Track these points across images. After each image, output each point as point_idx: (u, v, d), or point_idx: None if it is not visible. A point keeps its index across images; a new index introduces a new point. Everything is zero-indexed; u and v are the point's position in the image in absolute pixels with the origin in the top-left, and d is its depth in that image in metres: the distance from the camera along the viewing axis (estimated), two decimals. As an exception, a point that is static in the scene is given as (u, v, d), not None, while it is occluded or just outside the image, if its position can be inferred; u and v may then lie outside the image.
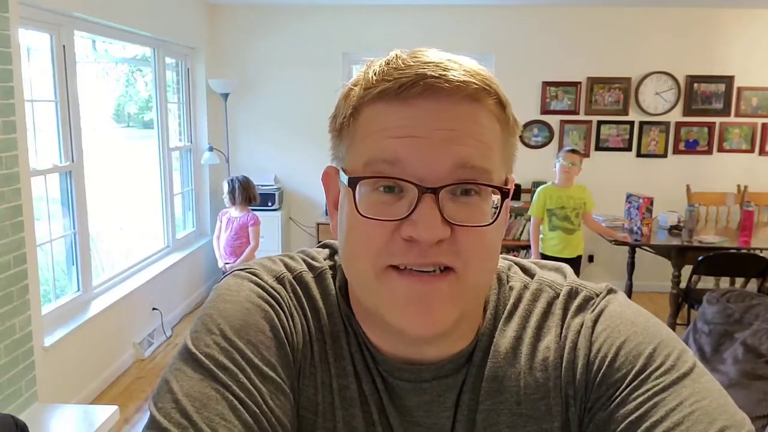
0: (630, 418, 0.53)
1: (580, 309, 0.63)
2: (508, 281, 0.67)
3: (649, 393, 0.53)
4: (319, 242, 0.73)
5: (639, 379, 0.55)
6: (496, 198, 0.56)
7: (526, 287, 0.66)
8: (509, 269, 0.68)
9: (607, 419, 0.55)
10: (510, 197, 0.58)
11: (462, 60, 0.56)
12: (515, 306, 0.64)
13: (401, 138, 0.53)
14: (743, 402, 2.24)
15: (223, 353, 0.55)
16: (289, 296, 0.63)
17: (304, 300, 0.64)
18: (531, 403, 0.60)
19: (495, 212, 0.56)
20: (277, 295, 0.61)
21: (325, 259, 0.68)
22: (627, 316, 0.60)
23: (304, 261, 0.67)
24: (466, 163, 0.53)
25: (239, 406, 0.53)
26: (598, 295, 0.63)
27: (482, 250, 0.55)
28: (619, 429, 0.53)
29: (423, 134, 0.53)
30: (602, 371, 0.57)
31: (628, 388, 0.55)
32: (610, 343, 0.58)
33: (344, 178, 0.57)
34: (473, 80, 0.54)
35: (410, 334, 0.56)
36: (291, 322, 0.61)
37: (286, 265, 0.66)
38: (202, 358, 0.55)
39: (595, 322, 0.60)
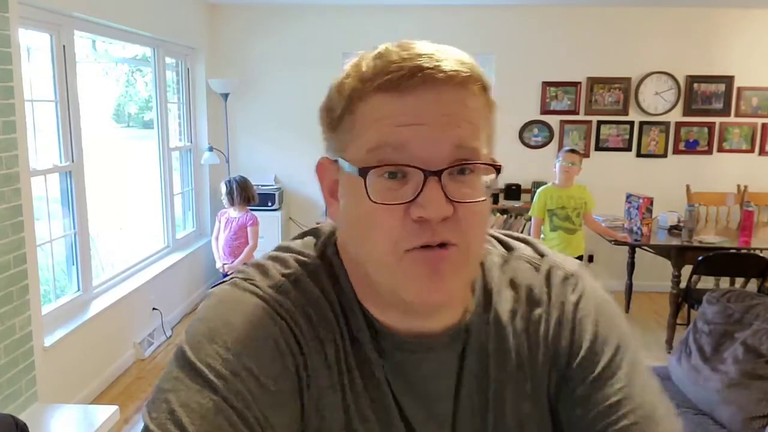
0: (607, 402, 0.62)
1: (562, 285, 0.70)
2: (490, 254, 0.72)
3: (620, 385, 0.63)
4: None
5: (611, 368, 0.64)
6: (488, 176, 0.61)
7: (506, 262, 0.71)
8: (489, 243, 0.73)
9: (586, 397, 0.63)
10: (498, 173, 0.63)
11: (449, 50, 0.60)
12: (500, 279, 0.70)
13: (407, 126, 0.57)
14: (743, 402, 2.24)
15: (224, 364, 0.55)
16: (293, 305, 0.62)
17: (305, 304, 0.63)
18: (524, 371, 0.67)
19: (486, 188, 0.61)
20: (280, 308, 0.61)
21: (312, 251, 0.68)
22: (599, 294, 0.70)
23: (296, 261, 0.66)
24: (462, 143, 0.57)
25: (237, 420, 0.52)
26: (573, 275, 0.71)
27: (478, 223, 0.60)
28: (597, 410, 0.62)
29: (426, 121, 0.57)
30: (583, 350, 0.66)
31: (601, 376, 0.64)
32: (589, 324, 0.67)
33: (350, 168, 0.59)
34: (463, 68, 0.58)
35: (423, 303, 0.59)
36: (296, 331, 0.61)
37: (282, 272, 0.65)
38: (202, 367, 0.54)
39: (578, 302, 0.68)
